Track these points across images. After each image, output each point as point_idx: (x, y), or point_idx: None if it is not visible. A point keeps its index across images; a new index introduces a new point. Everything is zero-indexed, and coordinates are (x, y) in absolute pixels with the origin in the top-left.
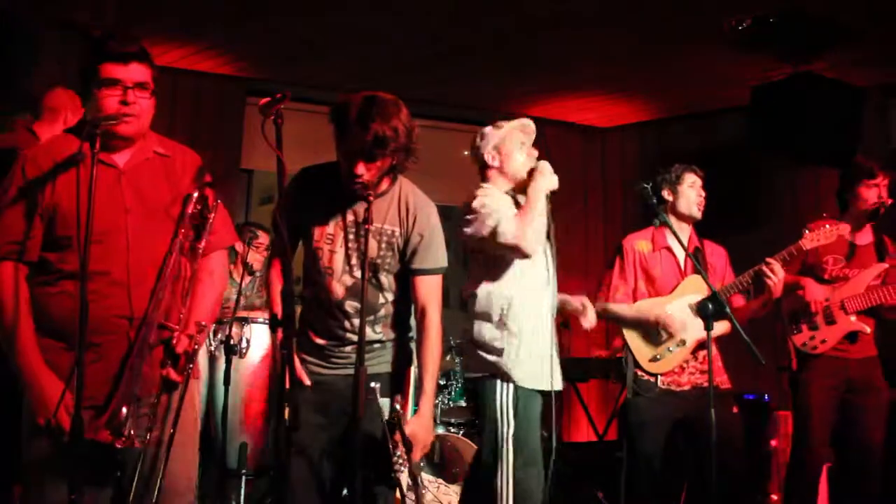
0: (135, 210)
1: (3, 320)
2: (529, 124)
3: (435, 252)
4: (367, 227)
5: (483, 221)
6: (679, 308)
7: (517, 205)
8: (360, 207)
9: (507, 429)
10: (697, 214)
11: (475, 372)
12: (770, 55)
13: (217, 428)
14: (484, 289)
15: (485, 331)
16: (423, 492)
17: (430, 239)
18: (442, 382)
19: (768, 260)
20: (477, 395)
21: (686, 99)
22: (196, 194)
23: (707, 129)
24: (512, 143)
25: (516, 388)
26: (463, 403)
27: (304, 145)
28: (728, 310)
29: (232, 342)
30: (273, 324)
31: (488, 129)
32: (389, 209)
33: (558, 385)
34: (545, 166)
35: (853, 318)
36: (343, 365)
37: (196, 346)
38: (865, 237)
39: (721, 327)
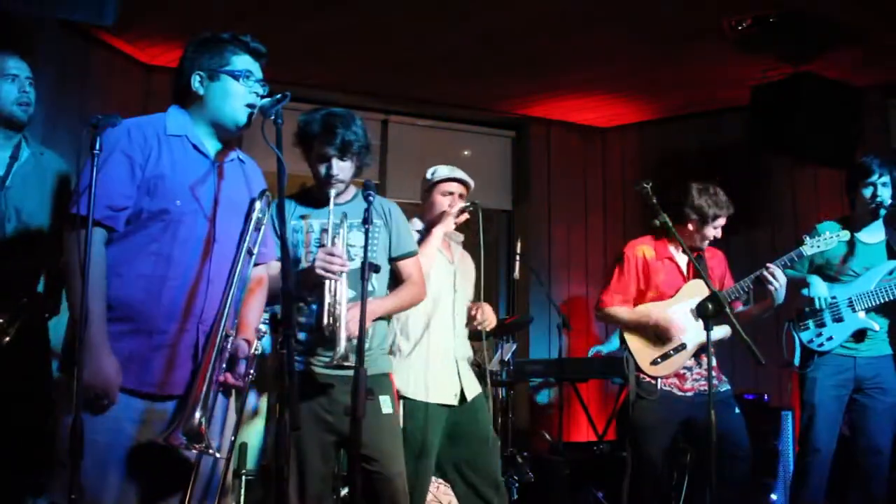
0: (224, 205)
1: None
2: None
3: (410, 238)
4: (366, 226)
5: None
6: (680, 312)
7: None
8: (347, 209)
9: None
10: (703, 248)
11: None
12: (770, 55)
13: None
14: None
15: None
16: None
17: (404, 228)
18: None
19: (769, 265)
20: None
21: (686, 99)
22: (261, 200)
23: (707, 129)
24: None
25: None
26: None
27: None
28: (728, 309)
29: None
30: (273, 324)
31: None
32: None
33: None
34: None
35: (861, 315)
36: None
37: (256, 353)
38: (875, 236)
39: (721, 332)
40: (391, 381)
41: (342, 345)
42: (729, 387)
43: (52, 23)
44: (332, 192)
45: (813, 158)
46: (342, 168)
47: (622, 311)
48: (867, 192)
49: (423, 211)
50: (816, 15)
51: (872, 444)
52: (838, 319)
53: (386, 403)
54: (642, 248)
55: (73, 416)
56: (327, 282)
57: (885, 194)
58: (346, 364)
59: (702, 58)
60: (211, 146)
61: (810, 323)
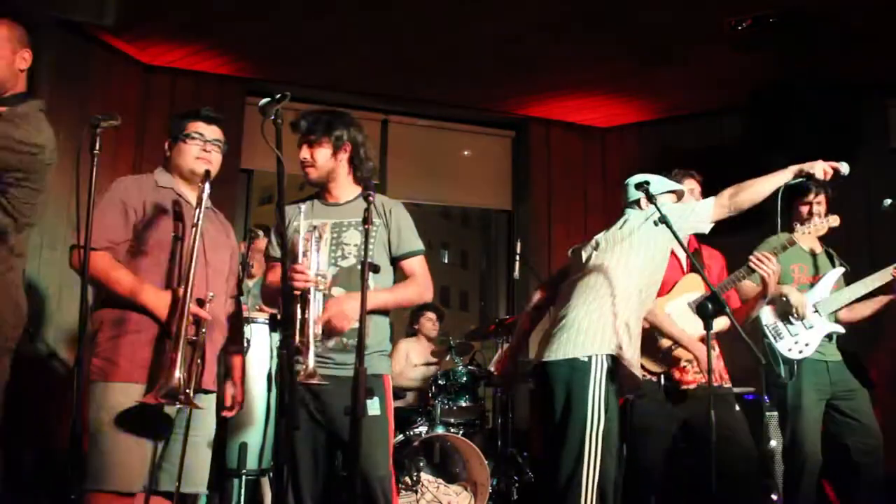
0: (202, 233)
1: (112, 276)
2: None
3: (413, 237)
4: (366, 226)
5: None
6: (678, 307)
7: None
8: (342, 211)
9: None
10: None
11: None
12: (770, 55)
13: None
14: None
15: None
16: (423, 491)
17: (407, 228)
18: (442, 382)
19: (756, 253)
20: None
21: (686, 99)
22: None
23: (707, 129)
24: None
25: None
26: (463, 403)
27: None
28: (728, 309)
29: None
30: (273, 324)
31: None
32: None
33: None
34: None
35: (827, 320)
36: (335, 364)
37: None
38: (817, 246)
39: (719, 324)
40: (384, 383)
41: (310, 362)
42: (730, 384)
43: (52, 23)
44: (303, 207)
45: (813, 159)
46: (310, 152)
47: None
48: (804, 209)
49: None
50: (816, 15)
51: (863, 441)
52: (809, 326)
53: (374, 406)
54: None
55: (75, 422)
56: (297, 296)
57: (821, 212)
58: (311, 382)
59: (702, 58)
60: (186, 191)
61: (784, 333)
